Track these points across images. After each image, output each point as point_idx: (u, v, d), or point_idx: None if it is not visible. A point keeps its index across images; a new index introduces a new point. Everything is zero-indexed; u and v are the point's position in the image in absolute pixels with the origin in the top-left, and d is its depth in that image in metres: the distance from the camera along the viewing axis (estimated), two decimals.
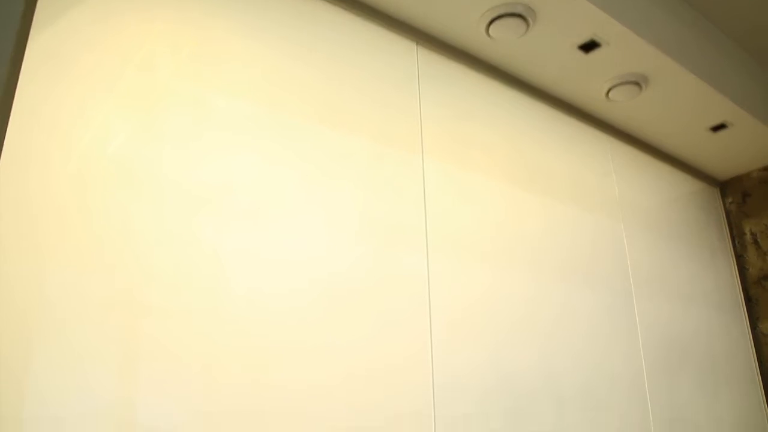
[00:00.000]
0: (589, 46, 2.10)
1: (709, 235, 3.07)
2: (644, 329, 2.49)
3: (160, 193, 1.35)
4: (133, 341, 1.24)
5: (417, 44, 2.01)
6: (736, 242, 3.03)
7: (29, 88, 1.24)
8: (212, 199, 1.42)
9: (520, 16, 1.92)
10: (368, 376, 1.54)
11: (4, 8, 1.21)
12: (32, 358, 1.13)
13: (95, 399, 1.16)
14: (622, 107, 2.48)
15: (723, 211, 3.09)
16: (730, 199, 3.11)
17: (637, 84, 2.30)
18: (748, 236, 3.00)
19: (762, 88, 2.74)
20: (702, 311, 3.02)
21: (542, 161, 2.29)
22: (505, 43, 2.08)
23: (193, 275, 1.34)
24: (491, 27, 1.98)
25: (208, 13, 1.57)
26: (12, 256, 1.15)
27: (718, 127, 2.64)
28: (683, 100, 2.44)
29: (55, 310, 1.17)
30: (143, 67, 1.41)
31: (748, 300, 2.94)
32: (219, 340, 1.34)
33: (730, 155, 2.88)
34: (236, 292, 1.39)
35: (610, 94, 2.37)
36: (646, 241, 2.62)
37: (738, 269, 2.99)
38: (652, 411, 3.03)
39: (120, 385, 1.20)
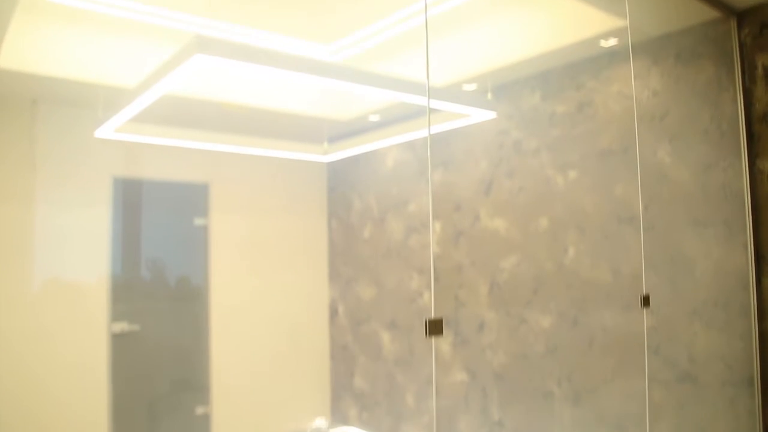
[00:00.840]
0: None
1: (717, 69, 2.98)
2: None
3: None
4: None
5: None
6: (746, 77, 2.94)
7: None
8: None
9: None
10: None
11: None
12: None
13: None
14: None
15: (737, 44, 2.97)
16: (746, 31, 2.96)
17: None
18: (760, 71, 2.90)
19: None
20: (699, 148, 3.03)
21: None
22: None
23: None
24: None
25: None
26: None
27: None
28: None
29: None
30: None
31: (750, 136, 2.92)
32: None
33: None
34: None
35: None
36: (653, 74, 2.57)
37: (744, 105, 2.93)
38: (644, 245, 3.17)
39: None
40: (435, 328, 1.94)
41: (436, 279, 4.30)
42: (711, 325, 3.02)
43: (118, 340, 4.25)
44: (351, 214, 5.18)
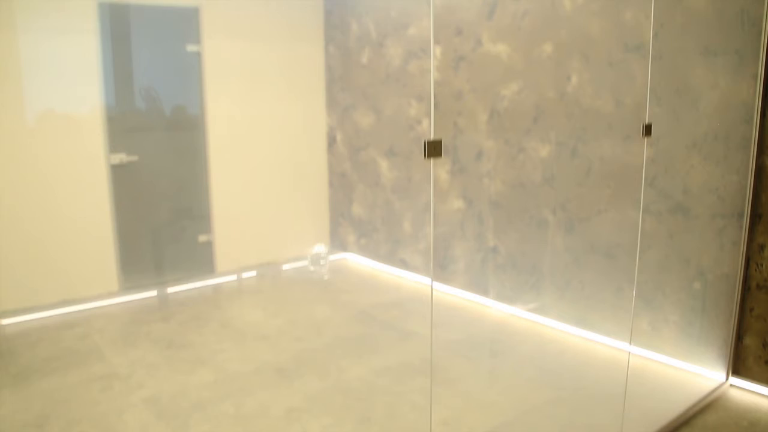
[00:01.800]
0: None
1: None
2: None
3: None
4: None
5: None
6: None
7: None
8: None
9: None
10: None
11: None
12: None
13: None
14: None
15: None
16: None
17: None
18: None
19: None
20: None
21: None
22: None
23: None
24: None
25: None
26: None
27: None
28: None
29: None
30: None
31: None
32: None
33: None
34: None
35: None
36: None
37: None
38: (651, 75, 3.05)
39: None
40: (434, 149, 1.91)
41: (435, 106, 4.21)
42: (709, 158, 3.00)
43: (117, 171, 4.28)
44: (349, 39, 4.95)
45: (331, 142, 5.30)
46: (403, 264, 4.80)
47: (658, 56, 3.08)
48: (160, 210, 4.58)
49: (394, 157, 4.70)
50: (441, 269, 4.44)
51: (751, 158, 2.84)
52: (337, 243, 5.43)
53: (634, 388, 2.70)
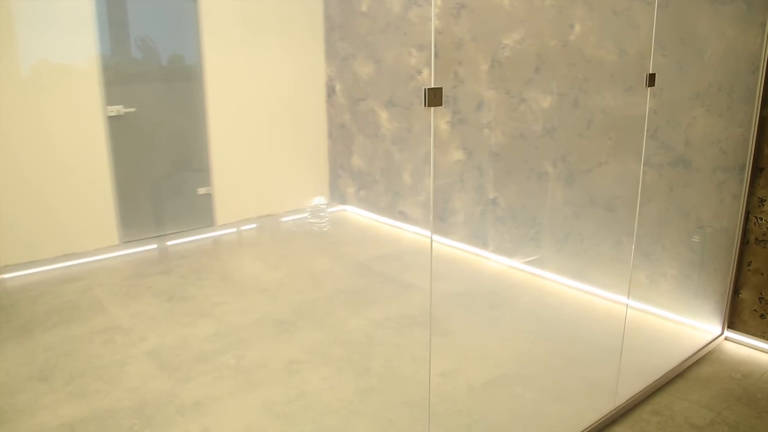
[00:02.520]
0: None
1: None
2: None
3: None
4: None
5: None
6: None
7: None
8: None
9: None
10: None
11: None
12: None
13: None
14: None
15: None
16: None
17: None
18: None
19: None
20: None
21: None
22: None
23: None
24: None
25: None
26: None
27: None
28: None
29: None
30: None
31: None
32: None
33: None
34: None
35: None
36: None
37: None
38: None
39: None
40: (434, 98, 1.87)
41: (435, 55, 4.12)
42: (712, 110, 2.95)
43: (115, 123, 4.23)
44: None
45: (330, 92, 5.23)
46: (403, 216, 4.79)
47: (665, 4, 2.99)
48: (159, 163, 4.55)
49: (394, 107, 4.64)
50: (441, 221, 4.43)
51: (755, 110, 2.79)
52: (337, 195, 5.41)
53: (631, 341, 2.73)
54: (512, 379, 2.81)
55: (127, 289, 3.80)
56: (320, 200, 5.13)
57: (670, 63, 3.04)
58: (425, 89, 1.85)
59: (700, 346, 2.96)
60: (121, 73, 4.24)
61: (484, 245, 4.17)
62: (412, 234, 4.71)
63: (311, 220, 5.08)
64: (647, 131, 3.13)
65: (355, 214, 5.24)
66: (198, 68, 4.55)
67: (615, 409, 2.47)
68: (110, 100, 4.18)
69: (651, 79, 2.74)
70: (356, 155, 5.10)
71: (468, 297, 3.68)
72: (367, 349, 3.05)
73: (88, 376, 2.78)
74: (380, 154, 4.85)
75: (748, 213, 2.92)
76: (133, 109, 4.28)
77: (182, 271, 4.08)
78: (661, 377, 2.69)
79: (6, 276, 3.91)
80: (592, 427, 2.36)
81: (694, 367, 2.85)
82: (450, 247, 4.34)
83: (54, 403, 2.55)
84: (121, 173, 4.29)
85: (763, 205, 2.86)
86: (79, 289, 3.76)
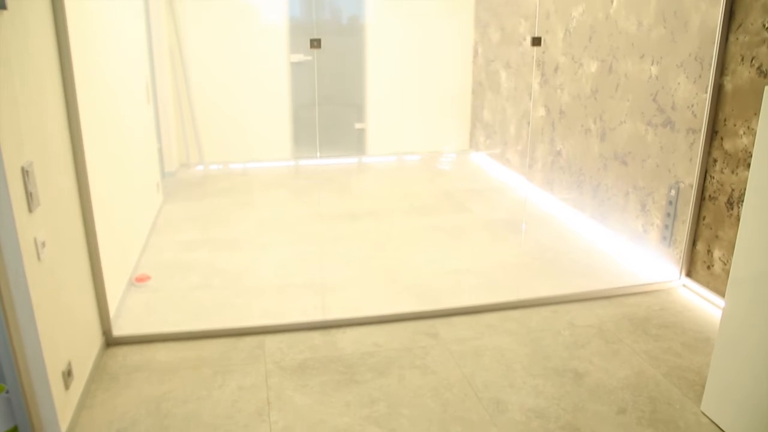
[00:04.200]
0: None
1: None
2: None
3: None
4: None
5: None
6: None
7: None
8: None
9: None
10: None
11: None
12: None
13: None
14: None
15: None
16: None
17: None
18: None
19: None
20: None
21: None
22: None
23: None
24: None
25: None
26: None
27: None
28: None
29: None
30: None
31: None
32: None
33: None
34: None
35: None
36: None
37: None
38: None
39: None
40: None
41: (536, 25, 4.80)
42: (689, 77, 3.31)
43: (295, 68, 5.76)
44: None
45: (475, 54, 6.12)
46: (508, 162, 5.57)
47: None
48: (327, 99, 5.99)
49: (509, 68, 5.40)
50: (528, 168, 5.14)
51: (710, 78, 3.13)
52: (473, 142, 6.33)
53: (608, 265, 3.35)
54: (490, 276, 3.63)
55: (273, 185, 5.36)
56: (448, 145, 6.15)
57: (667, 33, 3.45)
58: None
59: (658, 281, 3.43)
60: (304, 29, 5.74)
61: (551, 189, 4.81)
62: (509, 177, 5.48)
63: (440, 160, 6.12)
64: (650, 95, 3.62)
65: (480, 158, 6.12)
66: (363, 26, 5.84)
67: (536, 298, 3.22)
68: (294, 49, 5.71)
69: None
70: (486, 109, 5.95)
71: (502, 223, 4.46)
72: (401, 239, 4.12)
73: (215, 222, 4.36)
74: (499, 109, 5.65)
75: (705, 171, 3.26)
76: (310, 58, 5.76)
77: (318, 179, 5.51)
78: (619, 288, 3.34)
79: (210, 167, 5.76)
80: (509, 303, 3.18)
81: (644, 294, 3.35)
82: (526, 190, 5.06)
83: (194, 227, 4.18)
84: (297, 106, 5.83)
85: (716, 164, 3.19)
86: (244, 180, 5.44)
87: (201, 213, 4.59)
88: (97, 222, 2.65)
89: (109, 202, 3.02)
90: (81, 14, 2.72)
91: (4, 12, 1.84)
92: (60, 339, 2.18)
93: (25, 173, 1.90)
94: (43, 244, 2.03)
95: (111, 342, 2.82)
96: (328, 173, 5.79)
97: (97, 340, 2.70)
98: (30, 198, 1.93)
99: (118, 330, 2.88)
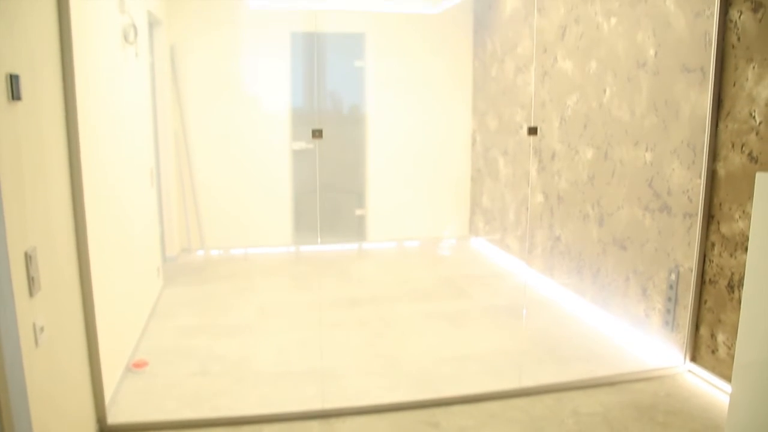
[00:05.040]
0: None
1: None
2: None
3: None
4: None
5: None
6: None
7: None
8: None
9: None
10: None
11: None
12: None
13: None
14: None
15: None
16: None
17: None
18: None
19: None
20: None
21: None
22: None
23: None
24: None
25: None
26: None
27: None
28: None
29: None
30: None
31: None
32: None
33: None
34: None
35: None
36: None
37: None
38: (652, 88, 3.58)
39: None
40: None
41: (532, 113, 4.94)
42: (683, 163, 3.38)
43: (297, 155, 5.89)
44: (485, 55, 5.89)
45: (473, 142, 6.27)
46: (507, 248, 5.59)
47: (656, 72, 3.55)
48: (327, 186, 6.08)
49: (507, 155, 5.52)
50: (528, 253, 5.16)
51: (703, 164, 3.20)
52: (473, 228, 6.38)
53: (611, 350, 3.32)
54: (485, 358, 3.57)
55: (274, 270, 5.36)
56: (448, 230, 6.19)
57: (659, 122, 3.55)
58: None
59: (661, 367, 3.38)
60: (306, 118, 5.91)
61: (551, 274, 4.80)
62: (508, 262, 5.48)
63: (439, 245, 6.15)
64: (645, 180, 3.69)
65: (479, 244, 6.15)
66: (364, 116, 6.02)
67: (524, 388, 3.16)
68: (295, 137, 5.86)
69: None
70: (485, 195, 6.04)
71: (503, 308, 4.43)
72: (399, 325, 4.09)
73: (216, 307, 4.34)
74: (498, 195, 5.74)
75: (704, 255, 3.27)
76: (311, 146, 5.90)
77: (318, 265, 5.52)
78: (622, 374, 3.27)
79: (211, 252, 5.78)
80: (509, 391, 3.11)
81: (642, 382, 3.28)
82: (527, 275, 5.05)
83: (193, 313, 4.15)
84: (298, 191, 5.92)
85: (714, 248, 3.21)
86: (245, 266, 5.44)
87: (201, 298, 4.57)
88: (96, 307, 2.64)
89: (109, 287, 3.02)
90: (91, 103, 2.81)
91: (19, 103, 1.91)
92: (53, 427, 2.13)
93: (29, 258, 1.92)
94: (42, 329, 2.02)
95: (105, 430, 2.75)
96: (328, 259, 5.80)
97: (91, 429, 2.64)
98: (31, 283, 1.94)
99: (113, 417, 2.82)
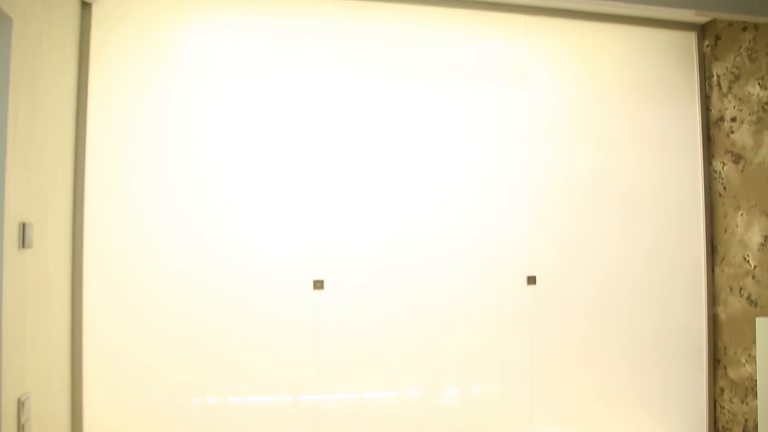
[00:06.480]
0: None
1: (677, 84, 3.27)
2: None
3: None
4: None
5: None
6: (706, 84, 3.23)
7: None
8: None
9: None
10: None
11: None
12: None
13: None
14: None
15: (698, 56, 3.26)
16: (706, 42, 3.24)
17: None
18: (715, 78, 3.18)
19: None
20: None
21: None
22: None
23: None
24: None
25: None
26: None
27: None
28: None
29: None
30: None
31: (708, 140, 3.22)
32: None
33: None
34: None
35: None
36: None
37: (704, 112, 3.24)
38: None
39: None
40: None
41: None
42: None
43: None
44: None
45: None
46: None
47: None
48: None
49: None
50: None
51: (704, 308, 3.21)
52: None
53: None
54: None
55: None
56: None
57: (657, 267, 3.60)
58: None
59: None
60: None
61: None
62: None
63: None
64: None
65: None
66: None
67: None
68: None
69: None
70: None
71: None
72: None
73: None
74: None
75: (714, 401, 3.18)
76: None
77: None
78: None
79: None
80: None
81: None
82: None
83: None
84: None
85: (724, 393, 3.13)
86: None
87: None
88: None
89: None
90: (98, 255, 2.88)
91: (29, 250, 1.97)
92: None
93: (21, 405, 1.88)
94: None
95: None
96: None
97: None
98: (21, 431, 1.88)
99: None
